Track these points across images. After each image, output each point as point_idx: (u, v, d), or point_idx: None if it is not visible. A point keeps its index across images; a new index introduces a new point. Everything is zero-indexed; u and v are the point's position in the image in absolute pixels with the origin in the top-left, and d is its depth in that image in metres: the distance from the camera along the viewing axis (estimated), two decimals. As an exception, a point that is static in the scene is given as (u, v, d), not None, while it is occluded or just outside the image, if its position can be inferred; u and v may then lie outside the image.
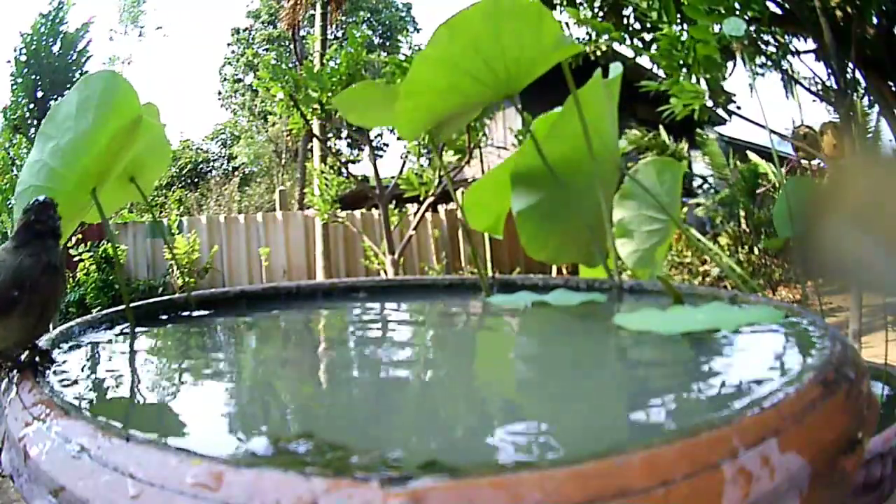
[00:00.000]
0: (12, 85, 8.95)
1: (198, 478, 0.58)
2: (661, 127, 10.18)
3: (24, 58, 9.09)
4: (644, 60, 4.77)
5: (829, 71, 4.43)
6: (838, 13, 4.22)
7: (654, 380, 1.06)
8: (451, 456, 0.68)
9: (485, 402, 0.99)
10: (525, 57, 1.53)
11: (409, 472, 0.55)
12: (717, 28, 3.77)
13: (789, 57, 4.99)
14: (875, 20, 4.34)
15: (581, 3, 4.84)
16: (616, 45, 4.79)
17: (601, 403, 0.93)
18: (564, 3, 4.88)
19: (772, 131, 3.24)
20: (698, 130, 10.41)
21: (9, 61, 9.31)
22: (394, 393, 1.05)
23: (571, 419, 0.85)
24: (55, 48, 9.52)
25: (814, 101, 4.76)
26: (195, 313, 1.66)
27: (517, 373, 1.19)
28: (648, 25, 4.38)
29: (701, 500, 0.57)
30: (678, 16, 4.02)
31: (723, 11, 3.73)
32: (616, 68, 1.74)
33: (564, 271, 9.35)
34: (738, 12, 3.77)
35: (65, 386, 1.00)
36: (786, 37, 4.87)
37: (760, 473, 0.60)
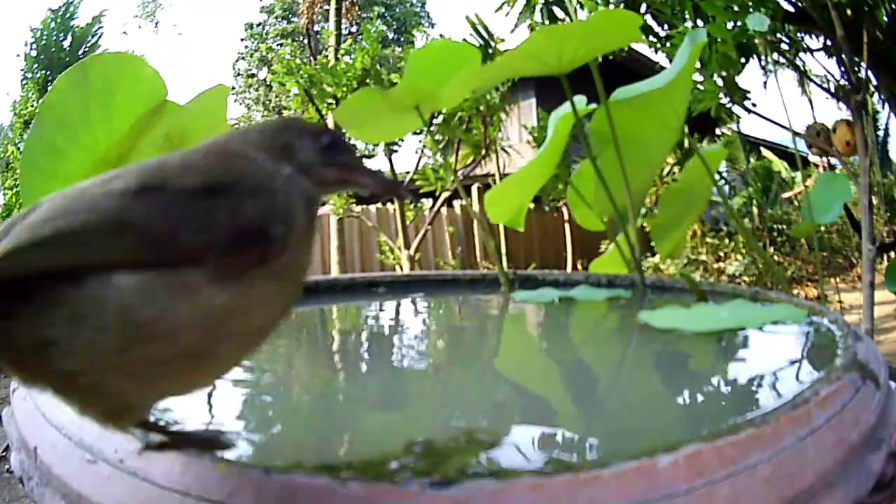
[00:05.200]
0: (22, 80, 8.97)
1: (225, 484, 0.55)
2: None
3: (34, 53, 9.12)
4: (651, 55, 4.76)
5: (842, 69, 4.42)
6: (849, 12, 4.21)
7: (686, 378, 1.04)
8: (493, 458, 0.67)
9: (522, 402, 0.97)
10: (591, 51, 1.59)
11: (451, 476, 0.52)
12: (730, 25, 3.76)
13: (802, 54, 4.99)
14: (886, 19, 4.33)
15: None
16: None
17: (637, 402, 0.91)
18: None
19: (794, 133, 3.22)
20: (721, 128, 10.42)
21: (18, 55, 9.34)
22: (432, 392, 1.03)
23: (609, 418, 0.83)
24: (65, 43, 9.55)
25: (826, 98, 4.77)
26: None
27: (552, 372, 1.17)
28: (664, 22, 4.36)
29: (742, 499, 0.56)
30: (693, 13, 4.01)
31: (737, 9, 3.72)
32: (699, 34, 1.73)
33: (580, 267, 9.36)
34: (751, 10, 3.75)
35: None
36: (798, 34, 4.86)
37: (796, 472, 0.59)
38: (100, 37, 10.48)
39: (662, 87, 1.65)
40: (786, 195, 10.58)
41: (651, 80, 1.73)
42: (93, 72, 1.39)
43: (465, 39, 6.77)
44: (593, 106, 1.78)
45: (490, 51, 6.41)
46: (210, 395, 1.02)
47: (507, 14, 4.87)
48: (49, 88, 1.39)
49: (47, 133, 1.41)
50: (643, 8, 4.24)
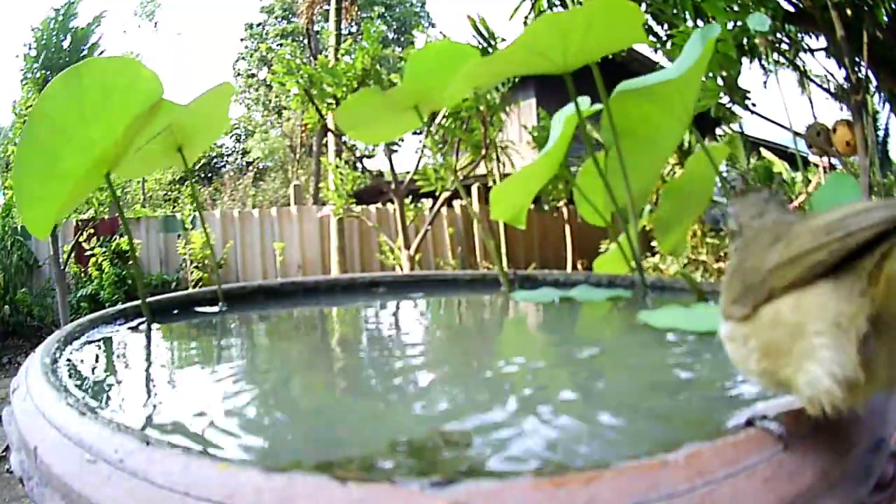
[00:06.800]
0: (22, 80, 8.94)
1: (225, 484, 0.54)
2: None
3: (34, 52, 9.09)
4: (651, 55, 4.78)
5: (845, 69, 4.42)
6: (849, 12, 4.21)
7: (686, 378, 1.04)
8: (493, 458, 0.67)
9: (523, 402, 0.97)
10: (595, 48, 1.59)
11: (451, 475, 0.52)
12: (730, 25, 3.76)
13: (802, 55, 5.00)
14: (886, 19, 4.33)
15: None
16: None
17: (637, 402, 0.90)
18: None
19: (794, 133, 3.23)
20: (723, 127, 10.43)
21: (18, 55, 9.32)
22: (432, 392, 1.02)
23: (609, 418, 0.83)
24: (65, 43, 9.51)
25: (826, 98, 4.80)
26: (211, 308, 1.65)
27: (552, 371, 1.16)
28: (664, 22, 4.37)
29: (742, 499, 0.56)
30: (694, 12, 4.01)
31: (737, 9, 3.72)
32: (712, 29, 1.72)
33: (580, 267, 9.35)
34: (751, 10, 3.75)
35: (79, 385, 0.98)
36: (798, 34, 4.87)
37: (797, 472, 0.59)
38: (100, 37, 10.46)
39: (676, 77, 1.65)
40: (790, 207, 10.57)
41: (662, 73, 1.73)
42: (87, 75, 1.39)
43: (468, 42, 6.79)
44: (597, 106, 1.78)
45: (491, 51, 6.41)
46: (211, 395, 1.02)
47: (511, 17, 4.88)
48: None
49: (41, 135, 1.40)
50: (643, 7, 4.24)
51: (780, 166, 10.92)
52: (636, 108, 1.70)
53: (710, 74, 3.92)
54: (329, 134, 9.06)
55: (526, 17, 4.86)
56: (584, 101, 1.84)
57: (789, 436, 0.61)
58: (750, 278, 0.66)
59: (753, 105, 4.24)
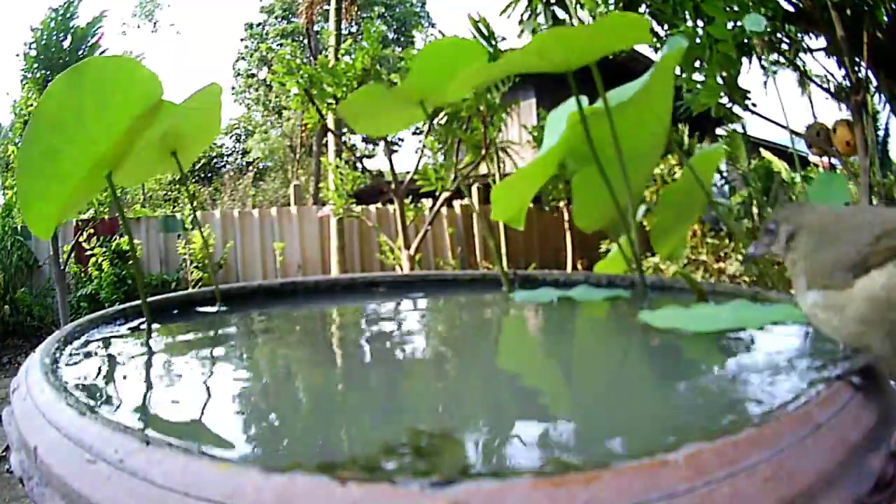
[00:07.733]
0: (22, 80, 8.93)
1: (225, 484, 0.54)
2: (678, 123, 10.14)
3: (34, 52, 9.07)
4: (651, 55, 4.77)
5: (844, 69, 4.42)
6: (849, 12, 4.20)
7: (686, 378, 1.04)
8: (493, 457, 0.67)
9: (522, 402, 0.97)
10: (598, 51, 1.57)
11: (451, 475, 0.52)
12: (730, 25, 3.75)
13: (802, 55, 4.99)
14: (886, 19, 4.32)
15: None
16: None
17: (637, 402, 0.90)
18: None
19: (792, 132, 3.22)
20: (726, 127, 10.41)
21: (18, 55, 9.32)
22: (431, 392, 1.02)
23: (609, 418, 0.83)
24: (66, 43, 9.50)
25: (826, 98, 4.78)
26: (211, 308, 1.65)
27: (551, 372, 1.16)
28: (664, 22, 4.36)
29: (742, 499, 0.55)
30: (694, 13, 4.00)
31: (737, 9, 3.71)
32: (677, 41, 1.72)
33: (580, 267, 9.35)
34: (751, 10, 3.75)
35: (79, 385, 0.98)
36: (798, 34, 4.86)
37: (797, 472, 0.59)
38: (100, 37, 10.45)
39: (632, 96, 1.65)
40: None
41: (626, 87, 1.73)
42: (88, 74, 1.38)
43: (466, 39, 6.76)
44: (597, 105, 1.78)
45: (491, 50, 6.41)
46: (211, 395, 1.02)
47: (509, 16, 4.87)
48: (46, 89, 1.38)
49: (43, 135, 1.40)
50: (643, 8, 4.23)
51: (779, 166, 10.92)
52: (605, 128, 1.70)
53: (695, 77, 3.92)
54: (329, 134, 9.06)
55: (522, 15, 4.83)
56: (582, 100, 1.84)
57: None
58: (849, 254, 0.80)
59: (753, 105, 4.24)
